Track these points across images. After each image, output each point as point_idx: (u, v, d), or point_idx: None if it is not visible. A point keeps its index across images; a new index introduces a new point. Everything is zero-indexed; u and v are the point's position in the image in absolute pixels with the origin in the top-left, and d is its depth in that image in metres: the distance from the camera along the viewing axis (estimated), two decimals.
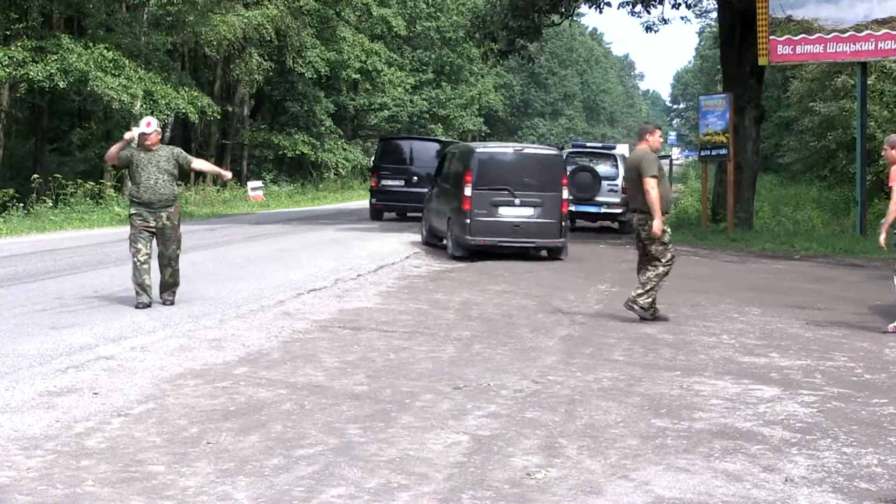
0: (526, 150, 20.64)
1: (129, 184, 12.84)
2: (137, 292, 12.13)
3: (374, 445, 6.37)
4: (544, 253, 20.02)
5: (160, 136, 12.58)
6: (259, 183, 44.81)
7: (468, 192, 19.24)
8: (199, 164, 12.90)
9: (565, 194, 19.63)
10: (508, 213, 19.45)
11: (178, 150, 12.68)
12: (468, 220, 19.19)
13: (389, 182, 30.33)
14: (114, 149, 12.58)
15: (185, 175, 33.64)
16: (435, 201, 21.88)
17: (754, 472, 6.02)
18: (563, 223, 19.62)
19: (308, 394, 7.74)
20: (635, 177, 11.75)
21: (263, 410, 7.20)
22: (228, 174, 14.09)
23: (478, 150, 20.16)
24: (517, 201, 19.41)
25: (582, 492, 5.60)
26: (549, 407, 7.51)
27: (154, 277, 12.37)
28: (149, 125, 12.33)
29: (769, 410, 7.56)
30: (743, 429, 7.00)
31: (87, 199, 31.73)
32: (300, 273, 15.85)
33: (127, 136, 12.35)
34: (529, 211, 19.46)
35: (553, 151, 21.53)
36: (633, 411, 7.44)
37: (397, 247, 21.13)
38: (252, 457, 6.10)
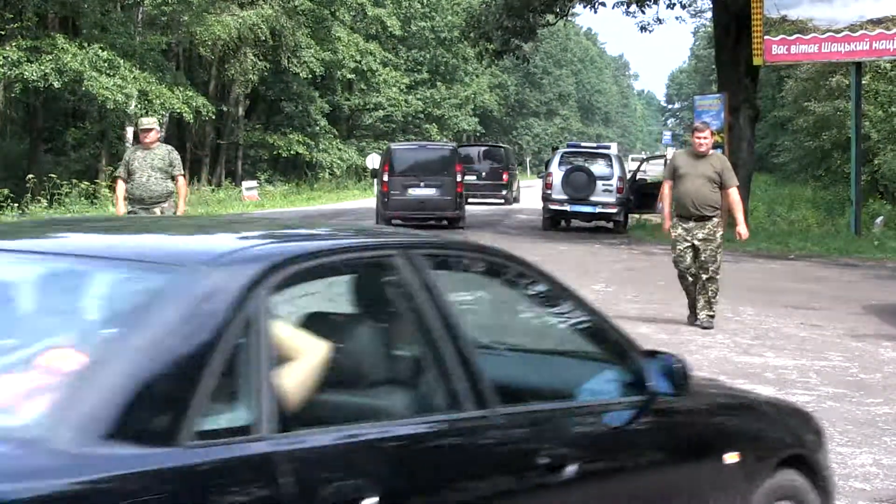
0: (427, 146, 29.93)
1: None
2: None
3: None
4: (445, 223, 26.56)
5: (159, 136, 12.77)
6: (254, 183, 44.80)
7: (386, 178, 26.17)
8: (181, 182, 12.75)
9: (458, 178, 26.33)
10: (416, 193, 26.09)
11: (175, 153, 12.80)
12: (387, 199, 25.93)
13: (466, 176, 39.66)
14: (121, 203, 12.76)
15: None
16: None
17: None
18: (457, 200, 26.28)
19: None
20: None
21: None
22: (180, 209, 13.00)
23: (392, 146, 28.49)
24: (422, 184, 26.14)
25: None
26: None
27: None
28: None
29: None
30: None
31: (82, 199, 31.70)
32: None
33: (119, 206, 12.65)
34: (431, 191, 26.17)
35: (448, 146, 29.70)
36: None
37: None
38: None
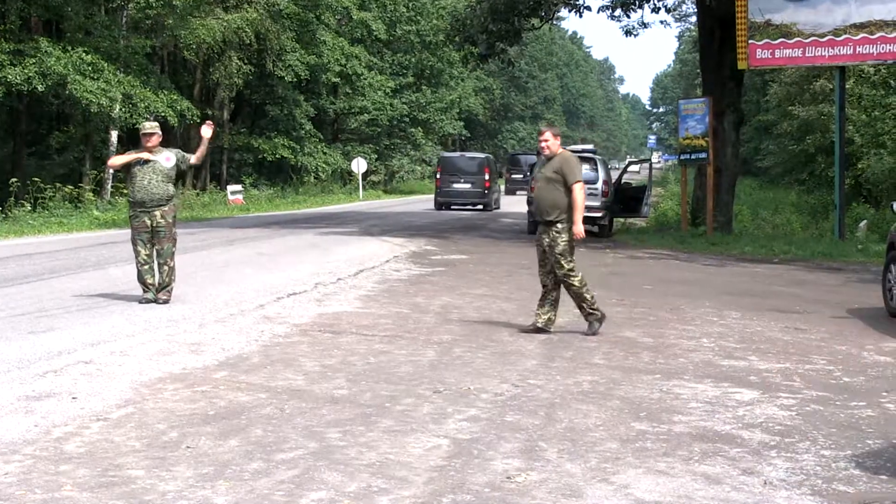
0: (466, 155, 45.74)
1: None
2: (142, 290, 12.66)
3: (354, 449, 6.36)
4: (480, 207, 41.52)
5: (161, 139, 12.90)
6: (238, 187, 44.70)
7: (438, 176, 42.37)
8: (196, 157, 13.20)
9: (486, 177, 41.40)
10: (457, 187, 41.33)
11: (176, 150, 13.02)
12: (438, 190, 42.04)
13: (515, 175, 61.86)
14: (123, 159, 13.09)
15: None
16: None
17: (733, 475, 6.04)
18: (484, 192, 41.36)
19: (288, 398, 7.73)
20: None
21: (243, 414, 7.19)
22: (206, 132, 13.13)
23: (443, 155, 47.14)
24: (462, 180, 41.34)
25: (562, 495, 5.61)
26: (529, 410, 7.51)
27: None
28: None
29: (748, 413, 7.59)
30: (722, 432, 7.02)
31: (66, 202, 31.61)
32: (280, 277, 15.84)
33: (144, 155, 12.61)
34: (468, 185, 41.42)
35: (481, 155, 45.45)
36: (612, 414, 7.46)
37: (377, 251, 21.13)
38: (232, 461, 6.09)
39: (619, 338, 10.96)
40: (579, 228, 10.93)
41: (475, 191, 41.31)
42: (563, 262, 10.91)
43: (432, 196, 44.53)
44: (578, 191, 10.89)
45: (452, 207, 41.04)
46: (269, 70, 47.61)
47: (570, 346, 10.40)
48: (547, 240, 10.93)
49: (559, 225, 10.89)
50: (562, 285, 11.06)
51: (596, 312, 11.12)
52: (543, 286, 11.14)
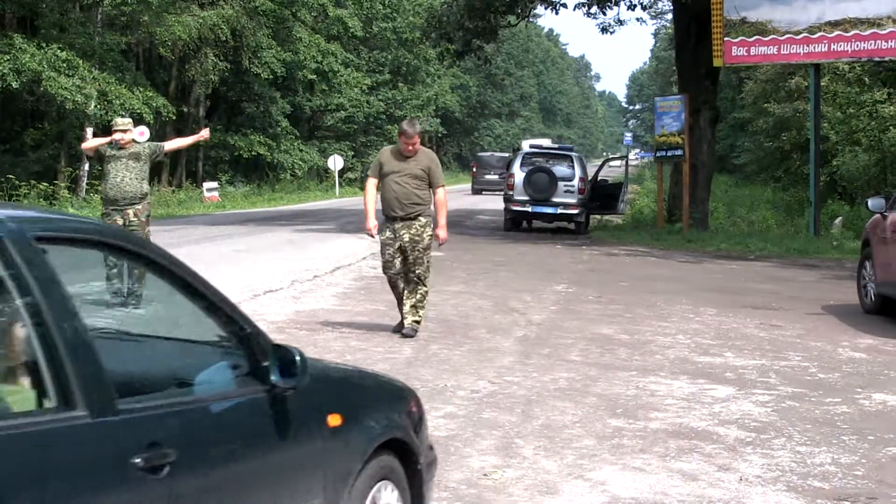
0: (494, 155, 62.78)
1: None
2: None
3: None
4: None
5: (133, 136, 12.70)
6: (214, 184, 44.55)
7: (475, 170, 60.27)
8: (171, 144, 13.04)
9: (510, 171, 41.49)
10: (488, 177, 55.71)
11: (151, 143, 12.82)
12: (475, 179, 59.10)
13: (488, 176, 65.78)
14: (95, 143, 12.90)
15: None
16: None
17: (709, 472, 6.06)
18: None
19: None
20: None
21: None
22: (204, 134, 13.29)
23: (478, 154, 68.94)
24: (492, 173, 55.80)
25: (538, 492, 5.61)
26: (506, 407, 7.51)
27: None
28: (142, 135, 12.93)
29: (724, 410, 7.61)
30: (698, 428, 7.04)
31: (41, 200, 31.43)
32: (256, 274, 15.78)
33: (116, 136, 12.38)
34: (496, 177, 53.03)
35: (506, 154, 52.93)
36: (589, 411, 7.46)
37: (354, 248, 21.09)
38: None
39: (596, 335, 10.98)
40: (445, 233, 10.69)
41: (501, 181, 54.60)
42: (425, 259, 10.58)
43: None
44: (444, 194, 10.75)
45: (484, 193, 54.17)
46: (245, 67, 47.44)
47: (547, 343, 10.40)
48: (408, 235, 10.47)
49: (422, 219, 10.54)
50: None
51: (422, 318, 10.82)
52: (396, 286, 10.68)
